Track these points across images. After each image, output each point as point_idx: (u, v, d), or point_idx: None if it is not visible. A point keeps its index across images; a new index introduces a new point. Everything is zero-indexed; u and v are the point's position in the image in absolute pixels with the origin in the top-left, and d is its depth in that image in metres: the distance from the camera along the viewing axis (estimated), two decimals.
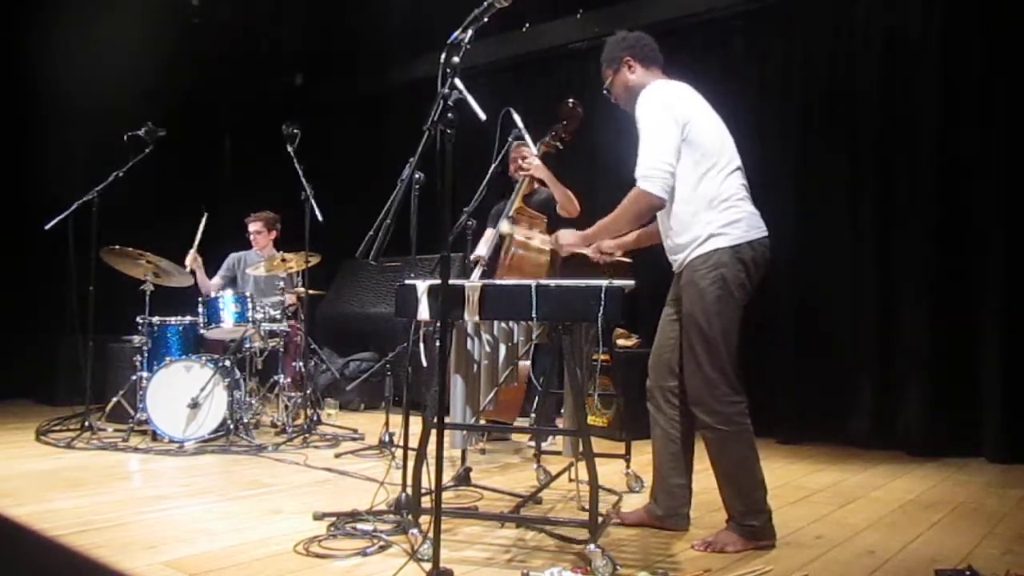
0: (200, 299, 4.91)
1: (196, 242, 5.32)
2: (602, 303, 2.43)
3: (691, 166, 2.68)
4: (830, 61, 5.03)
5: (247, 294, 4.92)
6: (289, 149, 4.94)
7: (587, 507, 2.48)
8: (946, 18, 4.58)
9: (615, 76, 2.92)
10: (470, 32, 2.32)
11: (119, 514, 3.02)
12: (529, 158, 4.20)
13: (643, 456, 3.65)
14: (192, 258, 5.28)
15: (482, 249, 4.43)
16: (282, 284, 5.04)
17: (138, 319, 4.81)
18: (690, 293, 2.70)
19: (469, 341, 2.76)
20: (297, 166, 4.89)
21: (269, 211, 5.66)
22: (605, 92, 2.98)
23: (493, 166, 4.17)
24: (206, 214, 5.32)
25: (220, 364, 4.59)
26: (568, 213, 4.37)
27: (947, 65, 4.56)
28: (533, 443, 4.53)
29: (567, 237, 2.99)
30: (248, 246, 5.71)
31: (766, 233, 2.75)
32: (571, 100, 3.94)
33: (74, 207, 4.72)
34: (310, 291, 5.06)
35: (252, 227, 5.61)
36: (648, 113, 2.70)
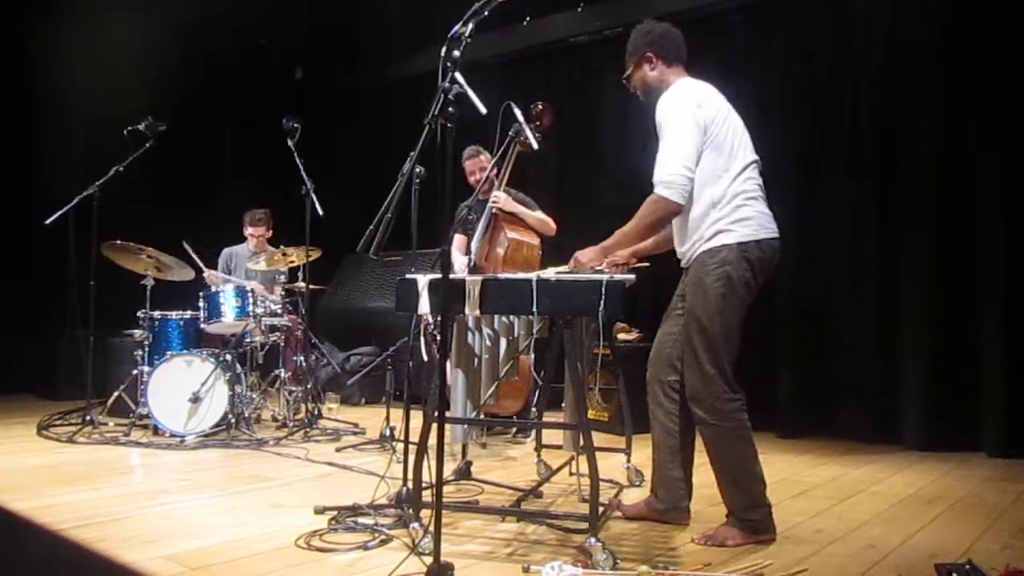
0: (201, 294, 4.91)
1: (201, 265, 5.22)
2: (603, 297, 2.43)
3: (708, 165, 2.66)
4: (832, 55, 5.01)
5: (247, 289, 4.92)
6: (289, 143, 4.93)
7: (588, 500, 2.48)
8: (949, 11, 4.56)
9: (635, 69, 2.88)
10: (471, 26, 2.31)
11: (120, 508, 3.03)
12: (495, 194, 4.20)
13: (644, 450, 3.65)
14: (216, 277, 5.27)
15: (461, 260, 4.43)
16: (283, 279, 5.04)
17: (139, 314, 4.81)
18: (694, 289, 2.69)
19: (470, 335, 2.76)
20: (297, 160, 4.88)
21: (264, 209, 5.62)
22: (624, 82, 2.95)
23: (494, 160, 4.17)
24: (184, 243, 5.13)
25: (221, 358, 4.60)
26: (546, 235, 4.39)
27: (950, 58, 4.55)
28: (527, 439, 4.56)
29: (586, 255, 2.83)
30: (239, 240, 5.68)
31: (776, 235, 2.72)
32: (540, 103, 3.98)
33: (74, 202, 4.71)
34: (311, 286, 5.06)
35: (257, 231, 5.54)
36: (672, 116, 2.67)
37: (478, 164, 4.61)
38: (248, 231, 5.58)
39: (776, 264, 2.74)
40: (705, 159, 2.66)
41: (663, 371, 2.84)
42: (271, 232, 5.64)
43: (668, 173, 2.62)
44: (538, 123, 3.94)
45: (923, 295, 4.58)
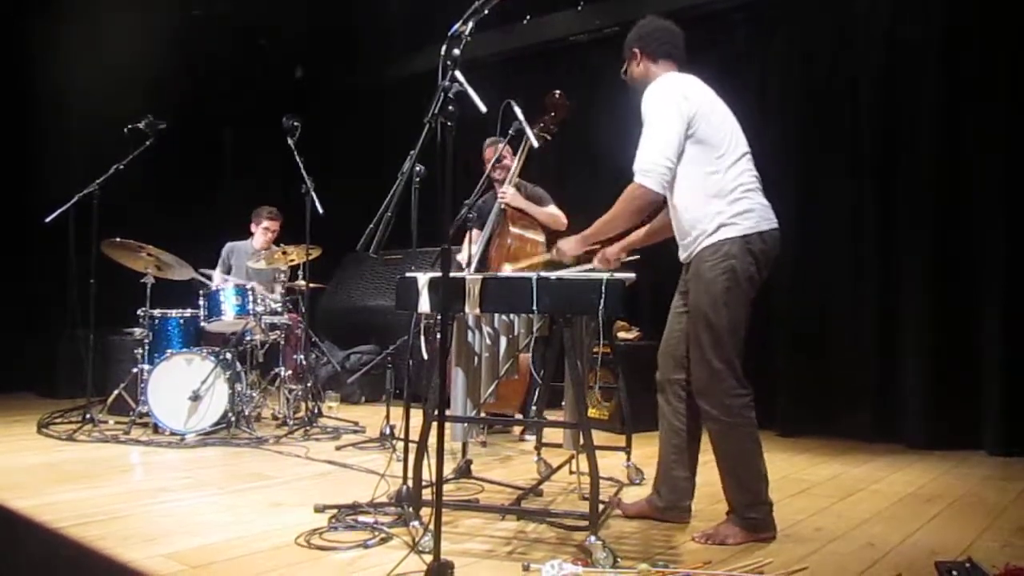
0: (201, 292, 4.92)
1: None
2: (603, 296, 2.43)
3: (700, 159, 2.66)
4: (832, 55, 5.01)
5: (248, 286, 4.92)
6: (289, 142, 4.93)
7: (588, 499, 2.48)
8: (949, 11, 4.56)
9: (627, 65, 2.92)
10: (471, 24, 2.31)
11: (120, 506, 3.03)
12: (503, 189, 4.18)
13: (643, 449, 3.67)
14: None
15: (469, 251, 4.43)
16: (283, 276, 5.04)
17: (139, 312, 4.81)
18: (698, 284, 2.69)
19: (470, 334, 2.76)
20: (297, 159, 4.88)
21: (274, 207, 5.64)
22: (623, 77, 2.98)
23: (494, 159, 4.17)
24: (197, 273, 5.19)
25: (221, 357, 4.60)
26: (557, 230, 4.36)
27: (950, 58, 4.54)
28: (528, 437, 4.55)
29: (567, 245, 2.93)
30: (242, 236, 5.68)
31: (776, 225, 2.72)
32: (557, 92, 3.93)
33: (74, 200, 4.72)
34: (311, 284, 5.06)
35: (273, 225, 5.53)
36: (653, 107, 2.68)
37: (492, 152, 4.58)
38: (264, 225, 5.54)
39: (777, 255, 2.74)
40: (696, 152, 2.66)
41: (672, 370, 2.84)
42: None
43: (647, 161, 2.63)
44: (552, 114, 3.89)
45: (923, 295, 4.58)
